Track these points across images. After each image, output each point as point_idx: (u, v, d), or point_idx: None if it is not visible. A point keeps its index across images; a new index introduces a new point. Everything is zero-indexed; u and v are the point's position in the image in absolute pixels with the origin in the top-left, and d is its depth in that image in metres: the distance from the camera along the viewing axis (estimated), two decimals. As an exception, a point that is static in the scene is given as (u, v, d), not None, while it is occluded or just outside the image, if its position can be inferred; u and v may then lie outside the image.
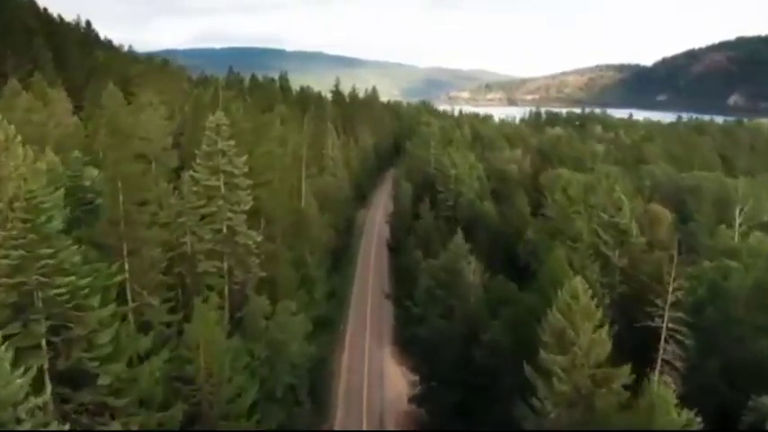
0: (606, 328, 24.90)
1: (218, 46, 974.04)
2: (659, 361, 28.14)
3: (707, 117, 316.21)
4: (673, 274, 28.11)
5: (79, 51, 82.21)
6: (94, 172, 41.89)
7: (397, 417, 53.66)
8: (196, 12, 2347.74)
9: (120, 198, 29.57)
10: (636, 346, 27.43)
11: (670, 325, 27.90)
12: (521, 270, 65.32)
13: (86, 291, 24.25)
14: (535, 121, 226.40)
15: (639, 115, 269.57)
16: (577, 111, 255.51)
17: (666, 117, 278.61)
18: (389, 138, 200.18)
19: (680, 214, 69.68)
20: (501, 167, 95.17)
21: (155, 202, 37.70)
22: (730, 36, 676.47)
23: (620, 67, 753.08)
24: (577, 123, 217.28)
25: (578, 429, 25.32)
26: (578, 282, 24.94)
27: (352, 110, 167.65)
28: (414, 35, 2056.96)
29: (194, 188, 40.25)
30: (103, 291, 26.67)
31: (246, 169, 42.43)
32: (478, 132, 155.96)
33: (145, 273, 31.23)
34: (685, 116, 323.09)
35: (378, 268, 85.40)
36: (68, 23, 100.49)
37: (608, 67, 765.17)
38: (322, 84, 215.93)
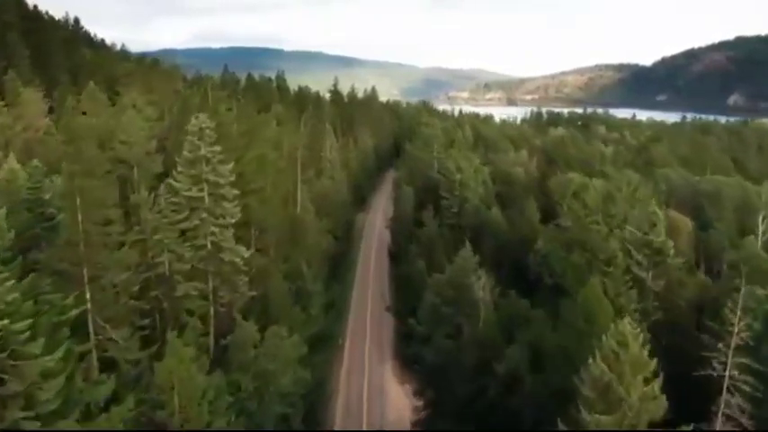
0: (660, 379, 20.44)
1: (216, 46, 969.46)
2: (720, 417, 23.34)
3: (708, 117, 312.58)
4: (739, 311, 23.21)
5: (63, 49, 77.55)
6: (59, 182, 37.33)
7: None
8: (195, 11, 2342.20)
9: (79, 216, 25.04)
10: (685, 395, 22.71)
11: (733, 373, 23.13)
12: (531, 283, 60.92)
13: (26, 334, 19.76)
14: (536, 122, 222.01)
15: (641, 115, 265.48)
16: (579, 111, 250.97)
17: (669, 117, 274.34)
18: (389, 138, 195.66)
19: (698, 221, 65.23)
20: (506, 170, 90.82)
21: (132, 214, 33.34)
22: (730, 36, 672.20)
23: (620, 67, 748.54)
24: (579, 124, 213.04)
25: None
26: (626, 326, 20.39)
27: (351, 110, 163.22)
28: (413, 35, 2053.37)
29: (174, 199, 35.76)
30: (53, 330, 22.17)
31: (233, 178, 37.92)
32: (480, 133, 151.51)
33: (109, 303, 26.70)
34: (688, 116, 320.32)
35: (378, 276, 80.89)
36: (54, 20, 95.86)
37: (607, 66, 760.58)
38: (321, 84, 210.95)
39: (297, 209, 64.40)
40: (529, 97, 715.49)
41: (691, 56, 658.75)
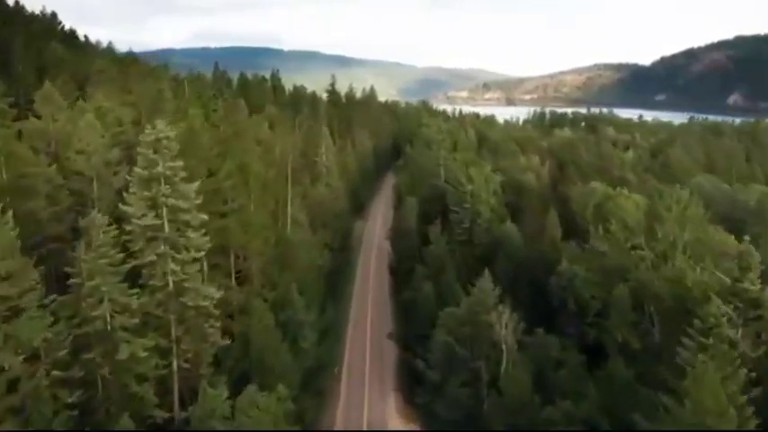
0: None
1: (215, 45, 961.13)
2: None
3: (709, 117, 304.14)
4: None
5: (31, 43, 69.34)
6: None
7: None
8: (194, 11, 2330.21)
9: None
10: None
11: None
12: (554, 309, 53.08)
13: None
14: (540, 122, 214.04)
15: (637, 114, 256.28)
16: (582, 111, 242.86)
17: (671, 117, 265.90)
18: (388, 139, 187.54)
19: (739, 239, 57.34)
20: (516, 178, 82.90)
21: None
22: (729, 35, 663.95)
23: (619, 67, 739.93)
24: (583, 124, 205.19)
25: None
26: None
27: (348, 111, 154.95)
28: (411, 35, 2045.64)
29: (129, 227, 27.76)
30: None
31: (199, 200, 29.90)
32: (484, 135, 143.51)
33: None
34: (687, 116, 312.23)
35: (378, 296, 72.66)
36: (25, 12, 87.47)
37: (606, 66, 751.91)
38: (319, 83, 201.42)
39: (287, 226, 56.26)
40: (527, 97, 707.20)
41: (690, 55, 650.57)
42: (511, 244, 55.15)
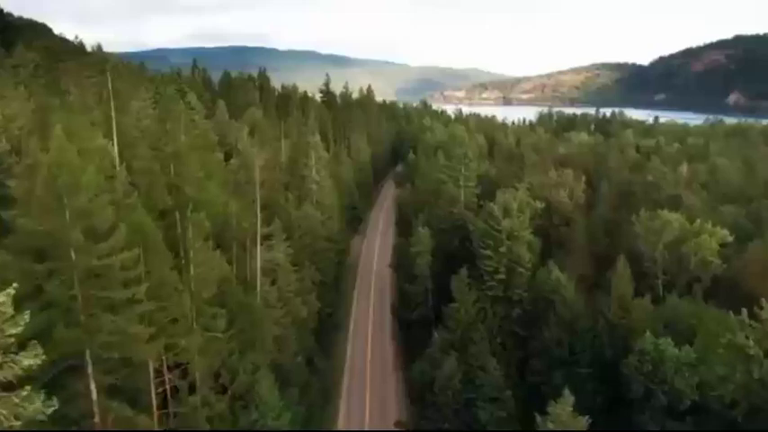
0: None
1: (210, 45, 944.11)
2: None
3: (707, 116, 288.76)
4: None
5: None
6: None
7: None
8: (189, 11, 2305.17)
9: None
10: None
11: None
12: (632, 404, 37.24)
13: None
14: (547, 124, 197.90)
15: (637, 114, 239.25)
16: (589, 111, 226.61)
17: (675, 117, 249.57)
18: (387, 143, 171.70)
19: None
20: (549, 198, 67.17)
21: None
22: (728, 35, 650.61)
23: (617, 66, 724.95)
24: (593, 126, 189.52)
25: None
26: None
27: (344, 112, 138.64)
28: (406, 33, 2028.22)
29: None
30: None
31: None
32: (494, 140, 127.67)
33: None
34: (688, 116, 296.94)
35: (380, 366, 54.91)
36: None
37: (604, 65, 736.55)
38: (314, 83, 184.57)
39: (256, 279, 40.11)
40: (525, 96, 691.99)
41: (689, 55, 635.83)
42: (564, 304, 39.29)
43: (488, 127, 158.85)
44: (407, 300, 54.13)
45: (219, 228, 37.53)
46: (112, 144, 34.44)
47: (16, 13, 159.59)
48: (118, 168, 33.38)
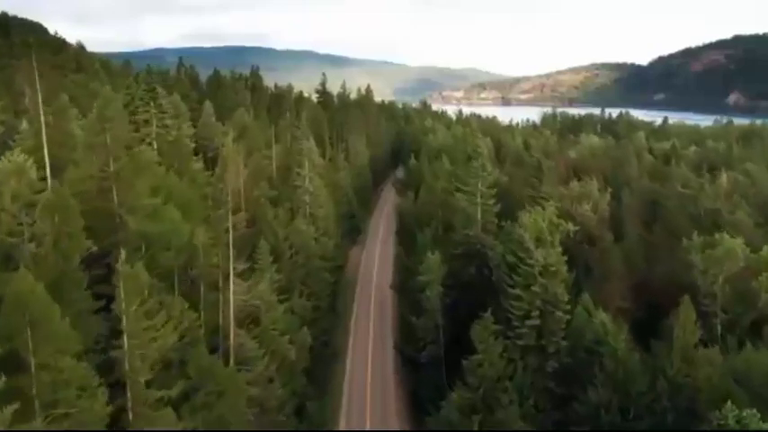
0: None
1: (208, 45, 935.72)
2: None
3: (708, 117, 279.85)
4: None
5: None
6: None
7: None
8: (187, 11, 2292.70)
9: None
10: None
11: None
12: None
13: None
14: (551, 124, 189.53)
15: (638, 114, 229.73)
16: (593, 111, 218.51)
17: (675, 117, 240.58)
18: (387, 145, 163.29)
19: None
20: (567, 209, 59.01)
21: None
22: (727, 35, 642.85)
23: (616, 66, 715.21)
24: (599, 128, 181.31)
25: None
26: None
27: (342, 113, 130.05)
28: (404, 33, 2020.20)
29: None
30: None
31: None
32: (500, 142, 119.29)
33: None
34: (688, 116, 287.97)
35: (381, 403, 47.02)
36: None
37: (603, 65, 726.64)
38: (312, 82, 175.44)
39: (229, 336, 31.72)
40: (524, 97, 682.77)
41: (688, 55, 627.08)
42: (614, 358, 31.11)
43: (492, 128, 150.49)
44: (413, 336, 45.91)
45: (184, 265, 29.34)
46: (40, 161, 26.24)
47: (13, 14, 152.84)
48: (44, 192, 25.11)
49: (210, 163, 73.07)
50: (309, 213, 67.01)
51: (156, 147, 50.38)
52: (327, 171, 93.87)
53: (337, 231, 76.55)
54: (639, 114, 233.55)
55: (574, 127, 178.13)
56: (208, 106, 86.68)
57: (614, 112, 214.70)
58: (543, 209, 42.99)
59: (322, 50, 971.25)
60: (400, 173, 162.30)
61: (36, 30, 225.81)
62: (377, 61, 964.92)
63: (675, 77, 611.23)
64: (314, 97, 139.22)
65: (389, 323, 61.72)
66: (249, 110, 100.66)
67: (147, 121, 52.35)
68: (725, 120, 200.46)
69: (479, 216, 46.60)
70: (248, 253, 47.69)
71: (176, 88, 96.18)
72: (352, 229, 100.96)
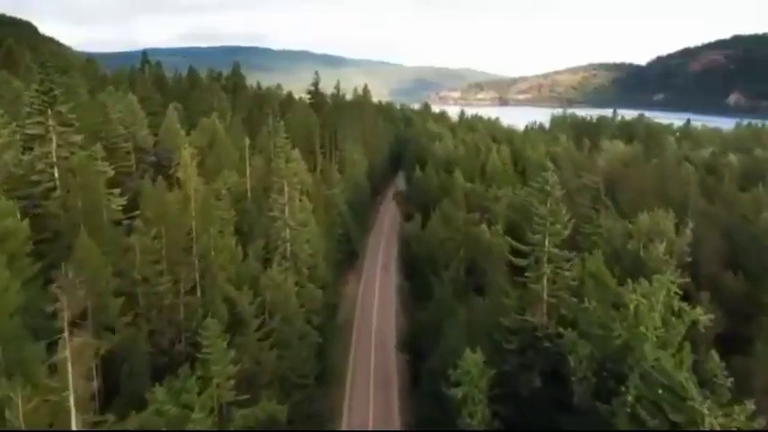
0: None
1: (203, 45, 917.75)
2: None
3: (709, 117, 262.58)
4: None
5: None
6: None
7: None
8: (182, 10, 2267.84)
9: None
10: None
11: None
12: None
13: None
14: (562, 128, 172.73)
15: (686, 119, 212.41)
16: (606, 113, 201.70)
17: (675, 118, 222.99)
18: (386, 150, 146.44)
19: None
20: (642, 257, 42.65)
21: None
22: (726, 35, 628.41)
23: (614, 66, 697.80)
24: (616, 130, 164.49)
25: None
26: None
27: (335, 116, 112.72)
28: (400, 33, 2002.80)
29: None
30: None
31: None
32: (518, 151, 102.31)
33: None
34: (688, 117, 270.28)
35: None
36: None
37: (601, 65, 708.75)
38: (307, 83, 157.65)
39: None
40: (521, 97, 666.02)
41: (687, 55, 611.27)
42: None
43: (503, 134, 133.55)
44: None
45: None
46: None
47: (7, 14, 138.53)
48: None
49: (171, 182, 56.52)
50: (291, 252, 50.17)
51: (56, 176, 33.55)
52: (318, 189, 77.12)
53: (328, 271, 59.68)
54: (637, 114, 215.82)
55: (588, 130, 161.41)
56: (171, 111, 69.73)
57: (627, 114, 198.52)
58: (647, 280, 26.10)
59: (318, 51, 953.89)
60: (400, 180, 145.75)
61: (25, 28, 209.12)
62: (373, 61, 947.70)
63: (674, 78, 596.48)
64: (305, 98, 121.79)
65: (396, 414, 44.68)
66: (226, 114, 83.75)
67: (42, 137, 35.32)
68: (745, 122, 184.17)
69: (545, 292, 29.40)
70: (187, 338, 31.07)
71: (138, 89, 79.33)
72: (348, 253, 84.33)
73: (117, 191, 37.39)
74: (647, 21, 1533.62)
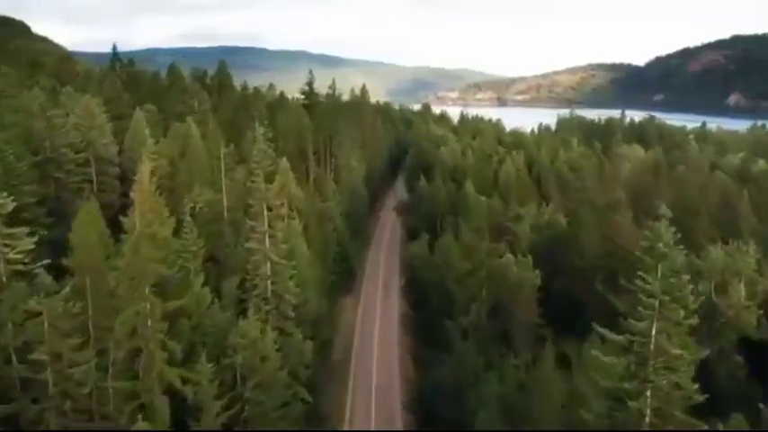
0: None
1: (201, 45, 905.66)
2: None
3: (711, 118, 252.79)
4: None
5: None
6: None
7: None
8: (180, 11, 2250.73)
9: None
10: None
11: None
12: None
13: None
14: (570, 130, 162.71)
15: (633, 115, 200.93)
16: (614, 113, 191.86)
17: (675, 119, 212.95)
18: (384, 155, 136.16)
19: None
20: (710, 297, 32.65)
21: None
22: (725, 35, 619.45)
23: (612, 67, 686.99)
24: (626, 133, 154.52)
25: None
26: None
27: (332, 118, 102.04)
28: (398, 33, 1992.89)
29: None
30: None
31: None
32: (531, 157, 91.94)
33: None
34: (690, 117, 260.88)
35: None
36: None
37: (599, 66, 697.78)
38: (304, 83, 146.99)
39: None
40: (520, 97, 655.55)
41: (686, 55, 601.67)
42: None
43: (511, 138, 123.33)
44: None
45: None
46: None
47: (4, 13, 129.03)
48: None
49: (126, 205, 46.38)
50: (273, 292, 39.94)
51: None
52: (310, 202, 66.97)
53: (321, 303, 49.51)
54: (639, 115, 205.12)
55: (598, 133, 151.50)
56: (139, 114, 59.36)
57: (628, 115, 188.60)
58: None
59: (315, 51, 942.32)
60: (400, 185, 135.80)
61: (18, 28, 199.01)
62: (371, 61, 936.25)
63: (673, 78, 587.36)
64: (298, 98, 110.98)
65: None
66: (206, 118, 73.38)
67: None
68: (760, 123, 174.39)
69: (648, 410, 18.35)
70: None
71: (104, 89, 69.04)
72: (344, 273, 74.24)
73: (21, 230, 26.95)
74: (645, 21, 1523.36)
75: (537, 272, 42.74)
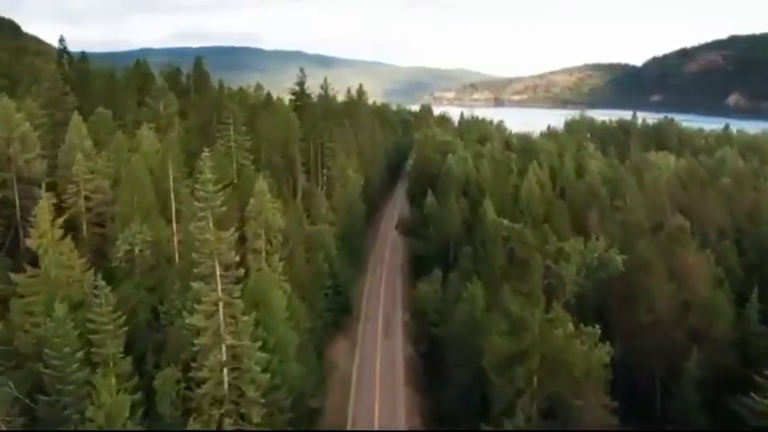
0: None
1: (196, 45, 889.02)
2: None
3: (712, 119, 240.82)
4: None
5: None
6: None
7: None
8: (175, 10, 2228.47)
9: None
10: None
11: None
12: None
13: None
14: (579, 132, 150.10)
15: (630, 115, 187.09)
16: (625, 115, 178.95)
17: (685, 120, 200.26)
18: (383, 160, 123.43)
19: None
20: None
21: None
22: (722, 35, 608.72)
23: (610, 67, 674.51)
24: (641, 135, 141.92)
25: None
26: None
27: (324, 122, 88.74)
28: (396, 33, 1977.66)
29: None
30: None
31: None
32: (553, 168, 79.03)
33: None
34: (695, 117, 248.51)
35: None
36: None
37: (596, 66, 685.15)
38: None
39: None
40: (517, 97, 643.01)
41: (684, 55, 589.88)
42: None
43: (522, 144, 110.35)
44: None
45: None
46: None
47: None
48: None
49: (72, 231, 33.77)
50: (231, 388, 26.97)
51: None
52: (298, 226, 54.16)
53: (307, 380, 36.59)
54: (641, 116, 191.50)
55: (613, 137, 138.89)
56: (76, 122, 46.08)
57: (627, 115, 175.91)
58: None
59: (311, 51, 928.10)
60: (400, 193, 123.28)
61: (5, 27, 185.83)
62: (367, 62, 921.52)
63: (671, 78, 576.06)
64: (287, 99, 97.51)
65: None
66: (173, 124, 60.29)
67: None
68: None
69: None
70: None
71: (43, 90, 55.82)
72: (338, 308, 61.38)
73: None
74: (642, 21, 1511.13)
75: (607, 345, 30.16)
